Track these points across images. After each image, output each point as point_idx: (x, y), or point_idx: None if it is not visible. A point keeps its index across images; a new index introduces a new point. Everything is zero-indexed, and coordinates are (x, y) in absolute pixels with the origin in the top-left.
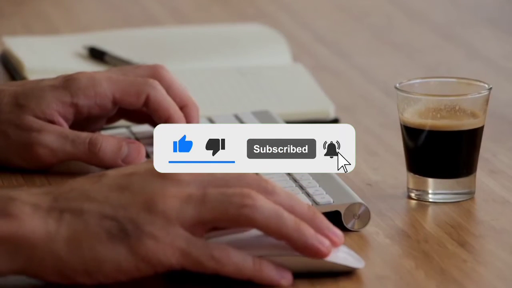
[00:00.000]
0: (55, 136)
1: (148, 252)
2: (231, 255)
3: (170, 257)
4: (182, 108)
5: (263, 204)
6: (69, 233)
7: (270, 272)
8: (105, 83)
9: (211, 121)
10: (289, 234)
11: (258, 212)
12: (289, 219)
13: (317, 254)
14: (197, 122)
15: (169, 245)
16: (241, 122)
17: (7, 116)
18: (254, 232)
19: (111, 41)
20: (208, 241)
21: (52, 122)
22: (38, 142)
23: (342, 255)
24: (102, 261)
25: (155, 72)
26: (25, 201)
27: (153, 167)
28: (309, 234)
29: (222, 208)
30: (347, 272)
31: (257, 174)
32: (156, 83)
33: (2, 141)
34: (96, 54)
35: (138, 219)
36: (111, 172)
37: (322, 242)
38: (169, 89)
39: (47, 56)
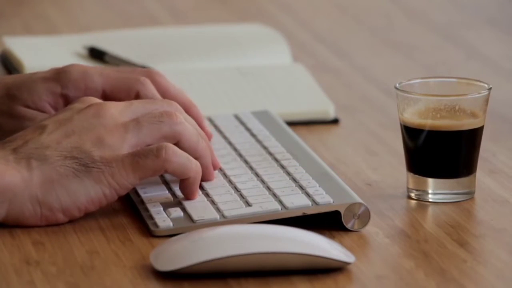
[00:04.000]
0: None
1: (108, 178)
2: (177, 153)
3: (127, 175)
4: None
5: (184, 121)
6: (42, 177)
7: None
8: (97, 77)
9: (211, 121)
10: (204, 149)
11: (186, 127)
12: (202, 135)
13: (214, 165)
14: (203, 121)
15: (122, 167)
16: (241, 122)
17: None
18: (251, 229)
19: (111, 41)
20: (209, 229)
21: (42, 112)
22: None
23: (335, 252)
24: (74, 195)
25: (148, 78)
26: (9, 159)
27: (85, 109)
28: (211, 150)
29: (156, 128)
30: (345, 272)
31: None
32: (147, 81)
33: None
34: (96, 54)
35: (93, 154)
36: (48, 122)
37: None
38: (165, 95)
39: (47, 56)
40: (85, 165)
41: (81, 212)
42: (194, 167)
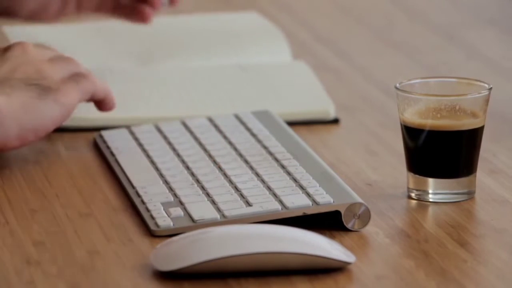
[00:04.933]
0: None
1: (63, 99)
2: (93, 76)
3: (76, 95)
4: None
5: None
6: (19, 101)
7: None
8: None
9: (211, 121)
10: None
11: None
12: None
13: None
14: None
15: (71, 89)
16: (241, 122)
17: None
18: (251, 229)
19: (111, 32)
20: (209, 229)
21: None
22: None
23: (335, 252)
24: (43, 116)
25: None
26: None
27: (9, 49)
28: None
29: (74, 61)
30: (346, 272)
31: None
32: None
33: None
34: None
35: (43, 82)
36: None
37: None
38: None
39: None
40: (44, 89)
41: (45, 132)
42: (107, 86)
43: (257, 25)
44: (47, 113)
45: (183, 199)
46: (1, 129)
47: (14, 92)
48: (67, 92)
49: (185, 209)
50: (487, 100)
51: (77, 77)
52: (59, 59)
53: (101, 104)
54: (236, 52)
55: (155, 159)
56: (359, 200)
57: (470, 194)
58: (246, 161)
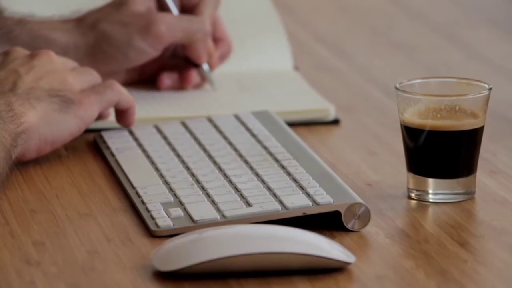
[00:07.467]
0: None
1: (82, 112)
2: (121, 86)
3: (94, 109)
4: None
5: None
6: (42, 113)
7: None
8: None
9: (211, 121)
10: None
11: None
12: None
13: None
14: None
15: (93, 102)
16: (241, 122)
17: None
18: (251, 229)
19: None
20: (210, 229)
21: None
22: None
23: (335, 252)
24: (62, 130)
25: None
26: (14, 101)
27: (35, 55)
28: None
29: (91, 72)
30: (346, 272)
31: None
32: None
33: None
34: None
35: (66, 93)
36: (15, 67)
37: None
38: None
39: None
40: (65, 101)
41: (61, 144)
42: (131, 97)
43: (261, 23)
44: (66, 126)
45: (183, 200)
46: (25, 143)
47: (39, 104)
48: (88, 105)
49: (185, 210)
50: (487, 100)
51: (101, 87)
52: (82, 68)
53: (122, 115)
54: (238, 57)
55: (155, 160)
56: (359, 200)
57: (470, 194)
58: (246, 162)
